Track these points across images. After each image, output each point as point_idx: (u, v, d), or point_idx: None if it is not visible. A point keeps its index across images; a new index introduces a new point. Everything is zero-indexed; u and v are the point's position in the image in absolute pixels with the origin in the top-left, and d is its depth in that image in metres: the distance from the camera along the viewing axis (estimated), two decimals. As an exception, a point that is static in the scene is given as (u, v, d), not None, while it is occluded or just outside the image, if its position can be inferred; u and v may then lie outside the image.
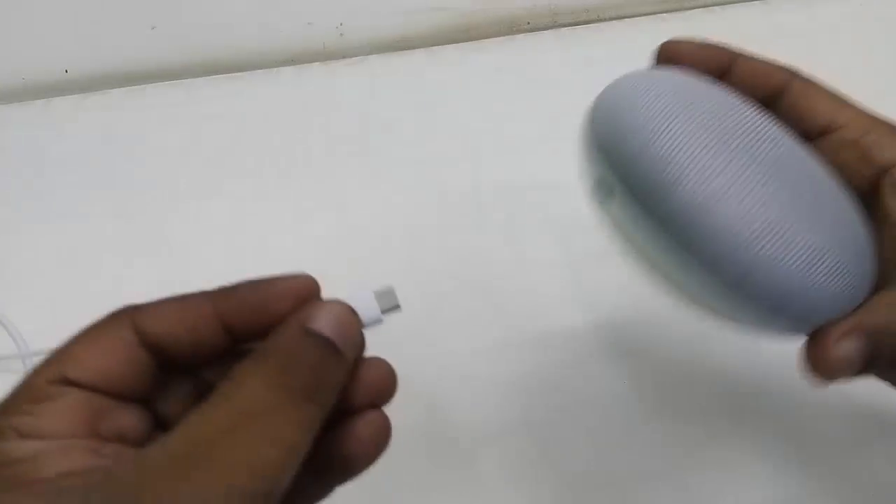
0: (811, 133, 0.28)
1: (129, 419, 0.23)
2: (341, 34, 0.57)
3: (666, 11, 0.57)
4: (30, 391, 0.22)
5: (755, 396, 0.39)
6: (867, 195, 0.27)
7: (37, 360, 0.38)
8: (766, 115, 0.28)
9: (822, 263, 0.24)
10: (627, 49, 0.56)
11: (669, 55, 0.30)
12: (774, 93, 0.29)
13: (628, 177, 0.26)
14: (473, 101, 0.53)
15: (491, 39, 0.57)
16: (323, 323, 0.23)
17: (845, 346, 0.23)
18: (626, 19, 0.58)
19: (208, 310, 0.24)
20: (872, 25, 0.56)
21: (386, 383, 0.25)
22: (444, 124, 0.52)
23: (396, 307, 0.26)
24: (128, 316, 0.24)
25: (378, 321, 0.26)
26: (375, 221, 0.47)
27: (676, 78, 0.28)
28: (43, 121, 0.53)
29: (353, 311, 0.24)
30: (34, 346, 0.43)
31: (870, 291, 0.25)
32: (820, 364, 0.24)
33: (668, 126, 0.26)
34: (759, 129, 0.27)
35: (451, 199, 0.48)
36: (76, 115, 0.53)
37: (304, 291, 0.24)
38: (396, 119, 0.52)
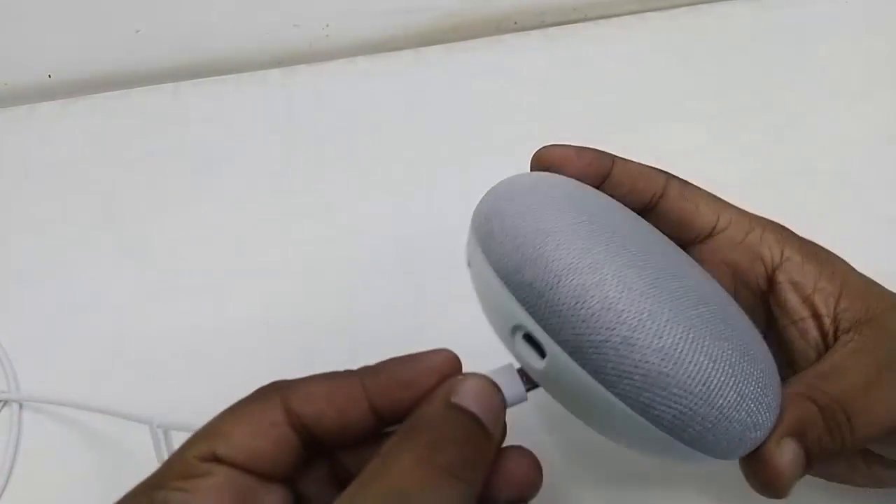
0: (696, 235, 0.29)
1: (273, 501, 0.23)
2: (328, 35, 0.57)
3: (652, 10, 0.57)
4: (180, 466, 0.22)
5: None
6: (763, 291, 0.28)
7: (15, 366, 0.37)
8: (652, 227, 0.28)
9: (764, 397, 0.24)
10: (614, 48, 0.56)
11: (546, 162, 0.29)
12: (653, 197, 0.29)
13: (564, 335, 0.23)
14: (461, 101, 0.53)
15: (478, 39, 0.56)
16: (467, 398, 0.22)
17: (787, 451, 0.24)
18: (613, 18, 0.58)
19: (358, 389, 0.24)
20: (860, 22, 0.56)
21: (530, 476, 0.24)
22: (433, 125, 0.51)
23: (536, 385, 0.25)
24: (277, 393, 0.24)
25: (522, 399, 0.24)
26: (364, 223, 0.47)
27: (568, 189, 0.26)
28: (27, 126, 0.53)
29: (495, 387, 0.23)
30: (14, 352, 0.42)
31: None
32: (772, 482, 0.24)
33: (592, 265, 0.23)
34: (661, 245, 0.26)
35: (441, 199, 0.48)
36: (61, 120, 0.53)
37: (448, 367, 0.24)
38: (384, 120, 0.52)
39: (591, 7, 0.58)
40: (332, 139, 0.51)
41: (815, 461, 0.25)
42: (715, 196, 0.30)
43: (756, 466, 0.24)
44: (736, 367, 0.23)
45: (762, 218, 0.29)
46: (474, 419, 0.22)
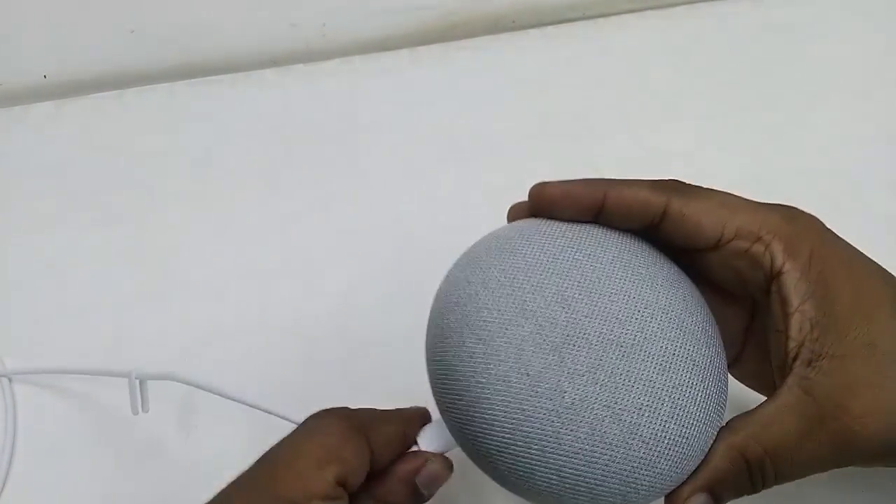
0: (702, 248, 0.29)
1: None
2: (324, 35, 0.57)
3: (651, 9, 0.57)
4: (321, 486, 0.26)
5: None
6: (765, 292, 0.28)
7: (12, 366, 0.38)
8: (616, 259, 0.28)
9: (668, 456, 0.26)
10: (613, 47, 0.56)
11: (538, 201, 0.30)
12: (652, 220, 0.29)
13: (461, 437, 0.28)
14: (458, 100, 0.53)
15: (476, 38, 0.56)
16: (424, 479, 0.29)
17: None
18: (612, 17, 0.57)
19: (403, 432, 0.29)
20: (859, 21, 0.56)
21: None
22: (430, 124, 0.51)
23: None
24: (361, 429, 0.28)
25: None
26: (362, 223, 0.47)
27: (504, 287, 0.27)
28: (22, 127, 0.52)
29: (447, 468, 0.29)
30: (11, 357, 0.42)
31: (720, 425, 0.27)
32: None
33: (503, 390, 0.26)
34: (599, 318, 0.26)
35: (438, 199, 0.48)
36: (56, 121, 0.53)
37: (424, 413, 0.31)
38: (381, 119, 0.52)
39: (589, 6, 0.58)
40: (329, 139, 0.51)
41: (728, 501, 0.27)
42: (723, 201, 0.29)
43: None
44: (595, 486, 0.26)
45: (781, 222, 0.28)
46: (421, 494, 0.29)
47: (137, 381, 0.36)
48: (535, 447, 0.25)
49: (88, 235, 0.47)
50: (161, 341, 0.42)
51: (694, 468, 0.26)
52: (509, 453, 0.26)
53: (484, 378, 0.26)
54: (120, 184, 0.49)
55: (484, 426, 0.26)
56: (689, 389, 0.26)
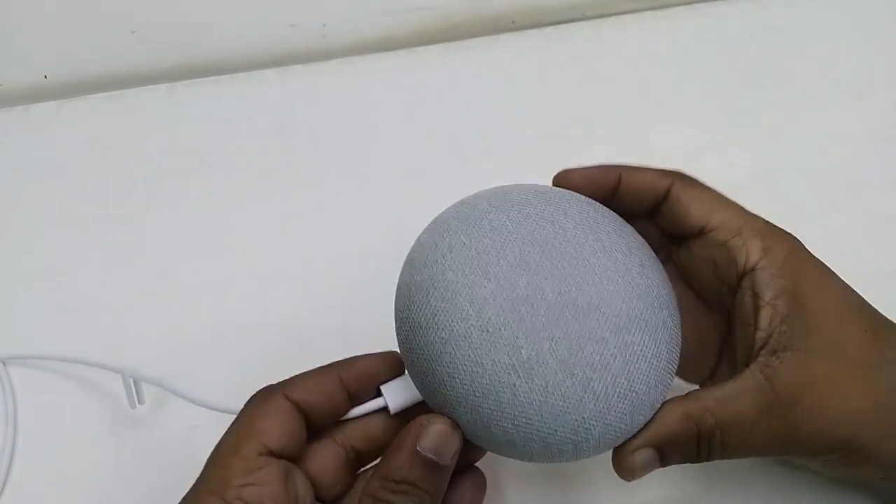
0: (688, 234, 0.31)
1: (301, 478, 0.29)
2: (325, 35, 0.57)
3: (650, 9, 0.57)
4: (241, 464, 0.27)
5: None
6: (735, 289, 0.30)
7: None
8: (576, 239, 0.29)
9: (617, 409, 0.27)
10: (612, 47, 0.56)
11: (566, 185, 0.33)
12: (658, 200, 0.32)
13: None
14: (458, 101, 0.53)
15: (476, 39, 0.56)
16: (429, 446, 0.28)
17: (639, 457, 0.28)
18: (611, 17, 0.57)
19: (337, 380, 0.30)
20: (858, 21, 0.56)
21: (475, 498, 0.31)
22: (430, 125, 0.51)
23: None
24: (278, 390, 0.29)
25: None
26: (361, 223, 0.47)
27: (473, 261, 0.28)
28: (22, 127, 0.52)
29: (453, 427, 0.28)
30: (11, 352, 0.42)
31: (665, 393, 0.28)
32: (625, 471, 0.28)
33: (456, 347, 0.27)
34: (566, 289, 0.28)
35: (437, 200, 0.47)
36: (56, 121, 0.53)
37: (392, 359, 0.31)
38: (381, 120, 0.52)
39: (588, 6, 0.58)
40: (329, 139, 0.51)
41: (672, 464, 0.29)
42: (717, 197, 0.31)
43: (615, 456, 0.29)
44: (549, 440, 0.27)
45: (764, 226, 0.30)
46: (432, 462, 0.27)
47: (131, 379, 0.37)
48: (492, 399, 0.27)
49: (88, 235, 0.47)
50: (160, 340, 0.42)
51: (643, 423, 0.28)
52: (468, 404, 0.27)
53: (446, 334, 0.27)
54: (120, 184, 0.49)
55: (445, 379, 0.27)
56: (639, 348, 0.28)
